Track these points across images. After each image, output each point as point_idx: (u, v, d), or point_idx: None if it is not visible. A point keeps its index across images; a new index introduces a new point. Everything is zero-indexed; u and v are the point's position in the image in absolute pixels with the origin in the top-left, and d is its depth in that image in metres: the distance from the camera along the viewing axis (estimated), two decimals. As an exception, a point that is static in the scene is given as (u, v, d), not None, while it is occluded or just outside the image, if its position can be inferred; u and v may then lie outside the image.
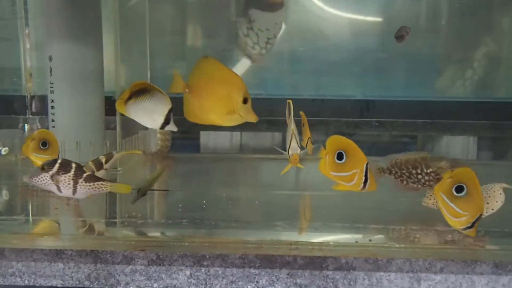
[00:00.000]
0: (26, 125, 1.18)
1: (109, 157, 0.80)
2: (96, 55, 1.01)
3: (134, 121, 1.15)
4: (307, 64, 1.27)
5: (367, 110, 1.26)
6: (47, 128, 1.02)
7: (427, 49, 1.26)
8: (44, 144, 0.81)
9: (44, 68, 1.00)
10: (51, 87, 0.99)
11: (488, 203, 0.67)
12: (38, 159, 0.80)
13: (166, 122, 0.75)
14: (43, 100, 1.16)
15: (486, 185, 0.68)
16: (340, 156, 0.67)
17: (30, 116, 1.17)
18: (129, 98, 0.74)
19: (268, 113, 1.20)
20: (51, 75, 0.98)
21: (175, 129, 0.76)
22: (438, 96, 1.28)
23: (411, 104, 1.26)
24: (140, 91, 0.74)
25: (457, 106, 1.26)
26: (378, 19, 1.26)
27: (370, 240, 0.60)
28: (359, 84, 1.28)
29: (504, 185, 0.68)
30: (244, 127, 1.26)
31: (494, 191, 0.68)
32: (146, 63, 1.22)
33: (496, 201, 0.68)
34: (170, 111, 0.75)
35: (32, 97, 1.18)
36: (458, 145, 1.26)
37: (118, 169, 0.97)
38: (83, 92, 0.99)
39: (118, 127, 0.98)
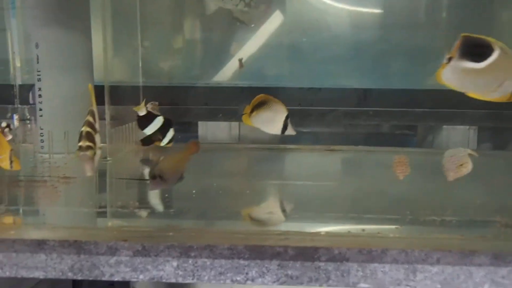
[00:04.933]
0: (14, 115, 1.15)
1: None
2: (84, 42, 0.98)
3: (125, 111, 1.13)
4: (306, 54, 1.25)
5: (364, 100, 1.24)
6: (35, 118, 1.00)
7: (426, 42, 1.24)
8: None
9: (32, 56, 0.98)
10: (38, 75, 0.96)
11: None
12: None
13: (285, 127, 0.89)
14: (31, 89, 1.14)
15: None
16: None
17: (19, 105, 1.14)
18: (252, 111, 0.88)
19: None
20: (38, 62, 0.96)
21: (293, 133, 0.89)
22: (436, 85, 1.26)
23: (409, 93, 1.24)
24: (260, 103, 0.88)
25: (456, 95, 1.24)
26: (378, 10, 1.24)
27: (363, 230, 0.58)
28: (357, 73, 1.26)
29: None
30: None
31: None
32: (137, 55, 1.19)
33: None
34: (286, 117, 0.88)
35: (21, 86, 1.15)
36: (459, 135, 1.23)
37: (108, 158, 0.94)
38: (71, 80, 0.96)
39: (107, 117, 0.96)
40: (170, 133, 1.02)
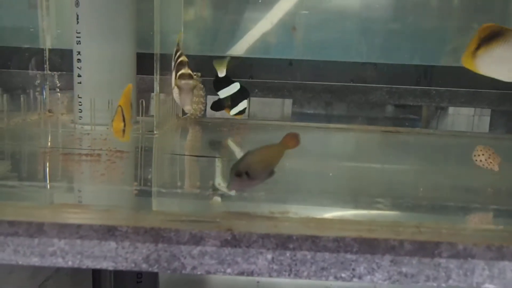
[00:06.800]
0: (45, 85, 1.04)
1: None
2: (129, 3, 0.87)
3: (169, 81, 1.03)
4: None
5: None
6: (72, 85, 0.90)
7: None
8: None
9: (66, 17, 0.88)
10: (77, 37, 0.86)
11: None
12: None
13: None
14: (64, 54, 1.03)
15: None
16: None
17: (49, 72, 1.04)
18: (478, 48, 0.64)
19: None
20: (77, 23, 0.86)
21: None
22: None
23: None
24: (490, 37, 0.64)
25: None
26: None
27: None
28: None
29: None
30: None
31: None
32: (180, 23, 1.08)
33: None
34: None
35: (51, 50, 1.05)
36: (465, 117, 1.16)
37: (155, 132, 0.85)
38: (114, 43, 0.86)
39: (156, 87, 0.85)
40: (243, 104, 0.91)
